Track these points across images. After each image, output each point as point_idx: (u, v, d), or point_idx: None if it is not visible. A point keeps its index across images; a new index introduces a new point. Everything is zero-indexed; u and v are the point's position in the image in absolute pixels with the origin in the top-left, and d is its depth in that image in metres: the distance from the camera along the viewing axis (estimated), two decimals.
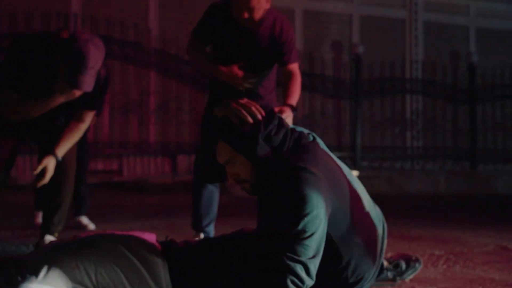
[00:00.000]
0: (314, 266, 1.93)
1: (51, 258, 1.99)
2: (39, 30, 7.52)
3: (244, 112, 2.09)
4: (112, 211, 5.86)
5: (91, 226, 4.52)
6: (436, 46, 10.37)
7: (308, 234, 1.90)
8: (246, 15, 3.19)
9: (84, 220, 4.59)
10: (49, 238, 3.20)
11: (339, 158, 8.57)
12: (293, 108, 3.26)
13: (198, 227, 3.52)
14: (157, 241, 2.21)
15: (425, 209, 6.70)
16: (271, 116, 2.12)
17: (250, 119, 2.08)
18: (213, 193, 3.48)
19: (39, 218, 4.51)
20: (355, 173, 8.80)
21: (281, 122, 2.15)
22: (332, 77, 9.21)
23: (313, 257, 1.92)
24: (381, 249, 2.32)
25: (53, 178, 3.14)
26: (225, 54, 3.39)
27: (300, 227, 1.90)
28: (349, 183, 2.17)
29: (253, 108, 2.10)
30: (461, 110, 9.93)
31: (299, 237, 1.90)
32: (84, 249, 2.03)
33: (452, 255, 3.47)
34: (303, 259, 1.90)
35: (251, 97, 3.42)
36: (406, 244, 3.86)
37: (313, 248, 1.92)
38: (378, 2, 10.15)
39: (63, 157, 3.15)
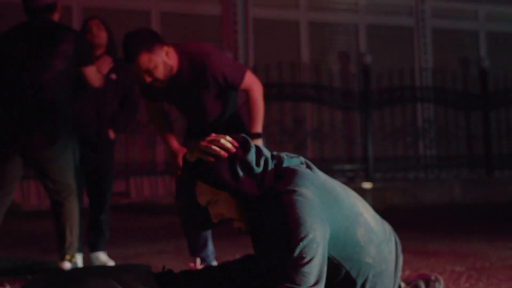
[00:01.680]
0: None
1: None
2: None
3: (216, 148, 1.94)
4: (118, 235, 5.70)
5: (110, 264, 3.96)
6: (446, 52, 10.19)
7: (306, 260, 1.76)
8: (148, 79, 3.00)
9: (102, 257, 4.04)
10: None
11: (351, 171, 8.26)
12: (258, 135, 3.11)
13: (191, 251, 3.40)
14: (152, 272, 2.08)
15: (441, 221, 6.49)
16: (247, 145, 1.97)
17: (223, 153, 1.94)
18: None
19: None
20: (368, 185, 8.65)
21: (259, 149, 2.00)
22: (340, 89, 9.05)
23: (315, 284, 1.78)
24: (396, 267, 2.17)
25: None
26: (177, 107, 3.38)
27: (296, 253, 1.76)
28: (348, 199, 2.02)
29: (223, 141, 1.95)
30: (474, 116, 9.72)
31: (297, 264, 1.75)
32: (71, 285, 1.92)
33: (474, 271, 3.30)
34: None
35: (225, 116, 3.29)
36: (424, 260, 3.69)
37: (314, 274, 1.78)
38: (384, 10, 10.01)
39: None
